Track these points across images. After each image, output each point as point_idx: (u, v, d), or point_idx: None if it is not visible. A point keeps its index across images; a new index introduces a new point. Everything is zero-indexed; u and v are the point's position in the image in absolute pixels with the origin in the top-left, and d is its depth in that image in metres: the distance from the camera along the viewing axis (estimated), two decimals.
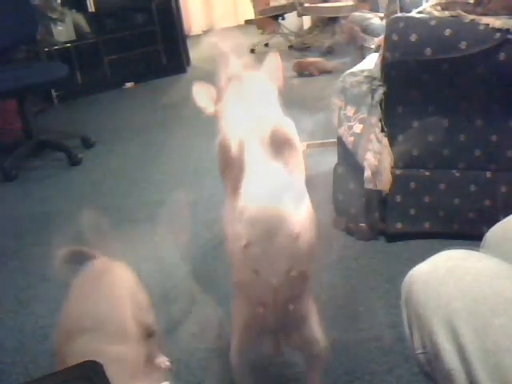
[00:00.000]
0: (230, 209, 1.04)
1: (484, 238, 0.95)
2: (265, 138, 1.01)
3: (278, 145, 1.01)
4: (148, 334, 1.22)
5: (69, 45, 4.62)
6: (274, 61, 1.17)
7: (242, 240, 0.99)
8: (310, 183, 1.11)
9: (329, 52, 5.30)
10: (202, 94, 1.15)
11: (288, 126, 1.04)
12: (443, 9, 1.80)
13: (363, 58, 2.40)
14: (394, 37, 1.76)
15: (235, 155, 1.00)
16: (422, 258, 0.85)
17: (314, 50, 5.59)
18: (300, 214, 1.02)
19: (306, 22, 6.27)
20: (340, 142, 2.00)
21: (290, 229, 0.99)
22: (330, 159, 2.11)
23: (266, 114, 1.06)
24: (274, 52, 1.18)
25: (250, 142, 1.01)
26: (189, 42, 5.72)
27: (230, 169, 1.03)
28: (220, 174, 1.09)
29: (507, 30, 1.62)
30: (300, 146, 1.06)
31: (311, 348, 1.15)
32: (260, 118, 1.04)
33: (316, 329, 1.13)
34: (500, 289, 0.73)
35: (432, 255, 0.85)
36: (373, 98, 1.87)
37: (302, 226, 1.01)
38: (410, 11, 1.97)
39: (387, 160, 1.89)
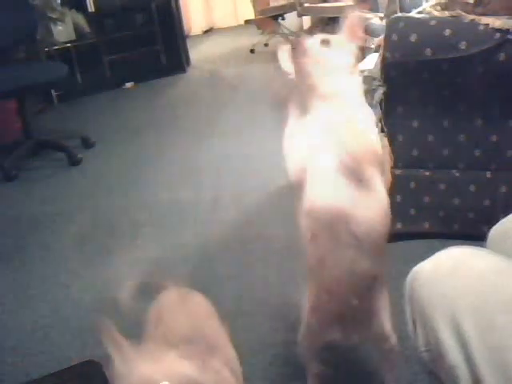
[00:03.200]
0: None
1: (488, 236, 0.95)
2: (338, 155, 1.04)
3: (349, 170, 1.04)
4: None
5: (69, 45, 4.61)
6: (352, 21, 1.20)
7: (307, 233, 1.08)
8: None
9: None
10: (287, 57, 1.16)
11: (364, 151, 1.04)
12: (443, 9, 1.79)
13: (363, 58, 2.39)
14: (394, 37, 1.76)
15: None
16: (422, 258, 0.85)
17: None
18: (367, 213, 1.04)
19: (306, 21, 6.26)
20: None
21: (354, 226, 1.02)
22: None
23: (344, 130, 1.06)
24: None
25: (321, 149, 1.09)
26: (189, 42, 5.72)
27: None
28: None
29: (507, 30, 1.62)
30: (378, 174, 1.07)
31: (381, 344, 1.17)
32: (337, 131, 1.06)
33: (386, 326, 1.14)
34: (504, 286, 0.73)
35: (432, 255, 0.85)
36: (373, 98, 1.86)
37: (367, 225, 1.04)
38: (410, 11, 1.97)
39: (387, 160, 1.89)
